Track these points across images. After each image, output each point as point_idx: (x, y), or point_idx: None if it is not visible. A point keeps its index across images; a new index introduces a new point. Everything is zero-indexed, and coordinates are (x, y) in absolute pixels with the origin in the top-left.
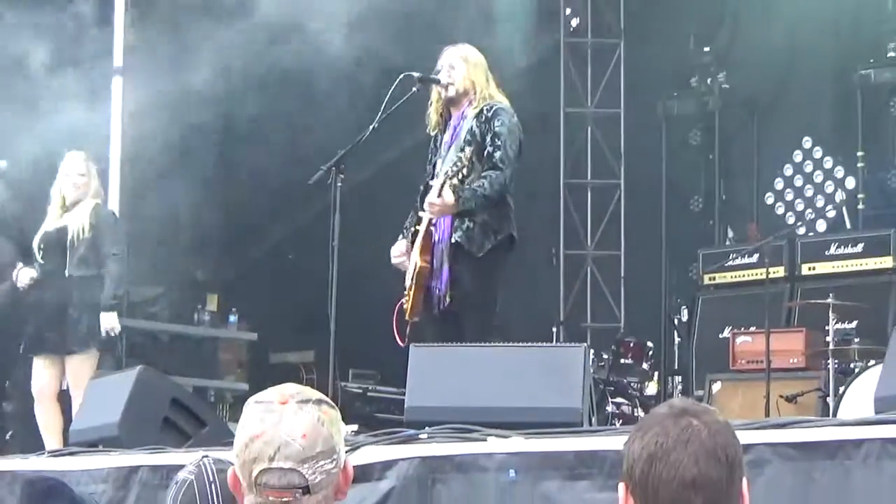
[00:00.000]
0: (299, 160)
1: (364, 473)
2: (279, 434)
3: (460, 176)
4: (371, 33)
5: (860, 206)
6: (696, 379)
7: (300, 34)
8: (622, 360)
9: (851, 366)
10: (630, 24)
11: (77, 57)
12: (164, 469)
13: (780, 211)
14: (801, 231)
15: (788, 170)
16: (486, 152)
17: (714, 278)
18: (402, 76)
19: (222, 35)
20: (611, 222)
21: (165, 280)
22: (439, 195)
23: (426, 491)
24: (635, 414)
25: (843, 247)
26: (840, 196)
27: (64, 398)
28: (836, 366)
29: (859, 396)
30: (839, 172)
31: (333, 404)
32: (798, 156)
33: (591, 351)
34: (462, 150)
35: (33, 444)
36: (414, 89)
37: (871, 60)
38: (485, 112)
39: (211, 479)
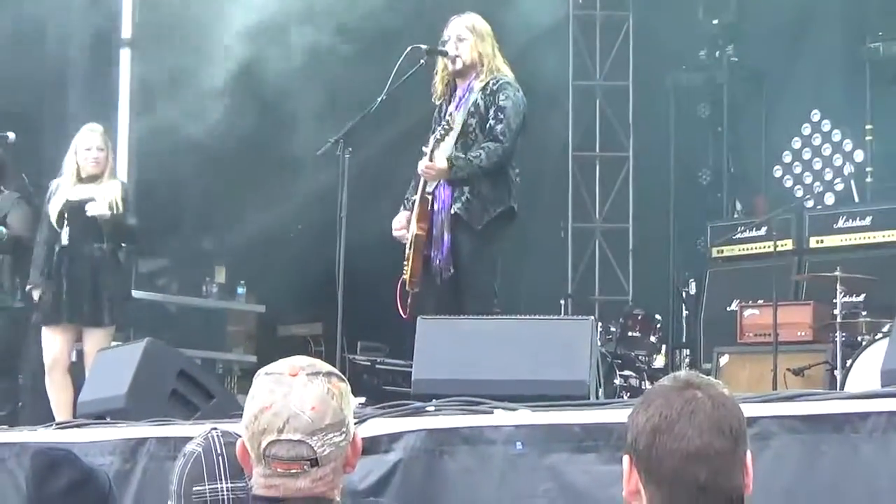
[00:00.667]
0: (308, 131)
1: (371, 445)
2: (289, 406)
3: (448, 138)
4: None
5: (868, 179)
6: (704, 352)
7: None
8: (630, 333)
9: (859, 339)
10: None
11: (86, 28)
12: (172, 441)
13: (789, 184)
14: (810, 204)
15: (797, 143)
16: (488, 125)
17: (722, 251)
18: (409, 48)
19: (230, 5)
20: (619, 195)
21: (173, 252)
22: (430, 159)
23: (433, 463)
24: (643, 387)
25: (851, 220)
26: (848, 169)
27: (75, 370)
28: (844, 339)
29: (867, 369)
30: (847, 145)
31: (343, 377)
32: (807, 129)
33: (599, 324)
34: (451, 114)
35: (44, 415)
36: (422, 62)
37: (880, 33)
38: (490, 85)
39: (219, 451)
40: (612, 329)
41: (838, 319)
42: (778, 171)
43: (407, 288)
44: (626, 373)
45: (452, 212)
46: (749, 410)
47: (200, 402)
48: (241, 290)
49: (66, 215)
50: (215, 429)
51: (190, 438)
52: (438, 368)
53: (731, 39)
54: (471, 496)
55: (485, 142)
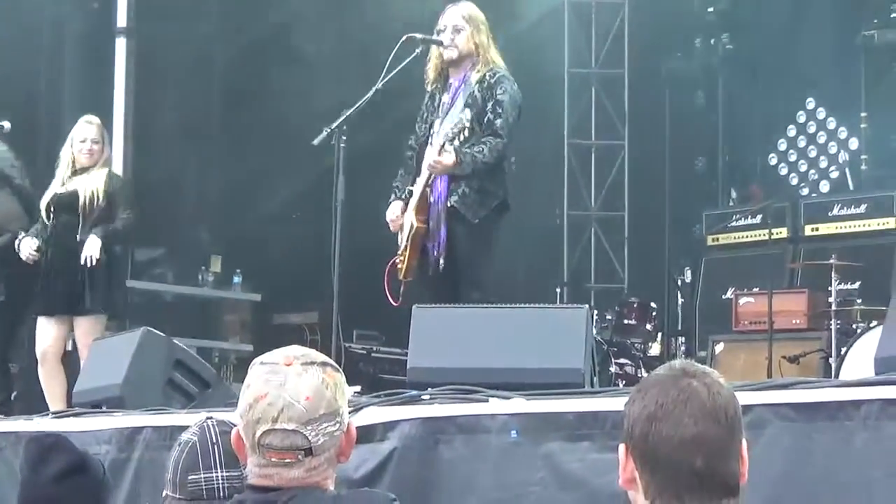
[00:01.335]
0: (304, 120)
1: (366, 434)
2: (283, 396)
3: (461, 138)
4: None
5: (863, 167)
6: (699, 340)
7: None
8: (625, 321)
9: (854, 327)
10: None
11: (82, 18)
12: (168, 430)
13: (784, 172)
14: (805, 192)
15: (792, 130)
16: (486, 119)
17: (717, 239)
18: (404, 37)
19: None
20: (614, 183)
21: (169, 241)
22: (439, 155)
23: (428, 451)
24: (638, 375)
25: (846, 207)
26: (843, 157)
27: (68, 360)
28: (839, 327)
29: (861, 357)
30: (842, 133)
31: (338, 367)
32: (801, 116)
33: (595, 312)
34: (463, 112)
35: (38, 405)
36: (417, 51)
37: (875, 21)
38: (487, 78)
39: (214, 440)
40: (608, 317)
41: (833, 307)
42: (773, 159)
43: (401, 278)
44: (622, 361)
45: (449, 205)
46: (744, 398)
47: (196, 391)
48: (236, 279)
49: (52, 208)
50: (210, 418)
51: (185, 427)
52: (434, 357)
53: (726, 27)
54: (466, 484)
55: (484, 136)
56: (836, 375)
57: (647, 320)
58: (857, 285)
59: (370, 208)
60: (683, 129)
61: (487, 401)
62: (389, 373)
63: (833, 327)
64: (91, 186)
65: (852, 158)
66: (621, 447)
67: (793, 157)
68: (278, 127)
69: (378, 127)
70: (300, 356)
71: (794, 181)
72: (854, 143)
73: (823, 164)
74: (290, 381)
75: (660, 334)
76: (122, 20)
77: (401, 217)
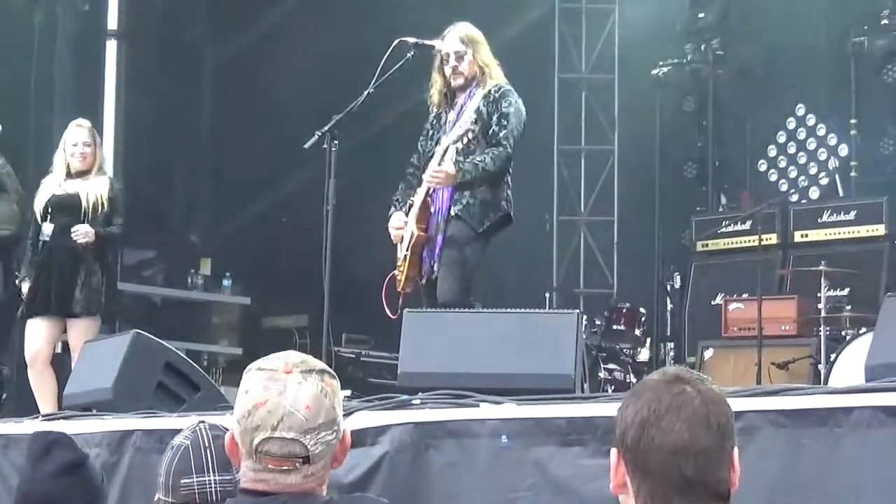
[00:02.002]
0: (295, 123)
1: (357, 439)
2: (283, 404)
3: (465, 140)
4: None
5: (853, 174)
6: (688, 345)
7: None
8: (615, 327)
9: (843, 333)
10: None
11: (72, 20)
12: (158, 433)
13: (773, 178)
14: (794, 198)
15: (782, 137)
16: (491, 130)
17: (707, 245)
18: (396, 42)
19: None
20: (604, 188)
21: (159, 244)
22: (439, 164)
23: (419, 456)
24: (627, 380)
25: (835, 214)
26: (833, 163)
27: (58, 363)
28: (828, 333)
29: (851, 364)
30: (832, 140)
31: (334, 374)
32: (791, 123)
33: (584, 317)
34: (469, 117)
35: (28, 408)
36: (409, 55)
37: (865, 27)
38: (493, 93)
39: (207, 444)
40: (597, 322)
41: (822, 314)
42: (763, 165)
43: (399, 289)
44: (611, 366)
45: (452, 213)
46: (734, 404)
47: (186, 394)
48: (226, 282)
49: (49, 210)
50: (203, 422)
51: (176, 431)
52: (424, 361)
53: (716, 33)
54: (456, 489)
55: (488, 147)
56: (826, 382)
57: (637, 326)
58: (846, 292)
59: (361, 212)
60: (673, 135)
61: (478, 406)
62: (378, 377)
63: (822, 334)
64: (95, 191)
65: (842, 165)
66: (613, 452)
67: (783, 164)
68: (269, 130)
69: (370, 130)
70: (299, 363)
71: (784, 187)
72: (844, 150)
73: (813, 170)
74: (289, 390)
75: (649, 340)
76: (112, 23)
77: (404, 227)
